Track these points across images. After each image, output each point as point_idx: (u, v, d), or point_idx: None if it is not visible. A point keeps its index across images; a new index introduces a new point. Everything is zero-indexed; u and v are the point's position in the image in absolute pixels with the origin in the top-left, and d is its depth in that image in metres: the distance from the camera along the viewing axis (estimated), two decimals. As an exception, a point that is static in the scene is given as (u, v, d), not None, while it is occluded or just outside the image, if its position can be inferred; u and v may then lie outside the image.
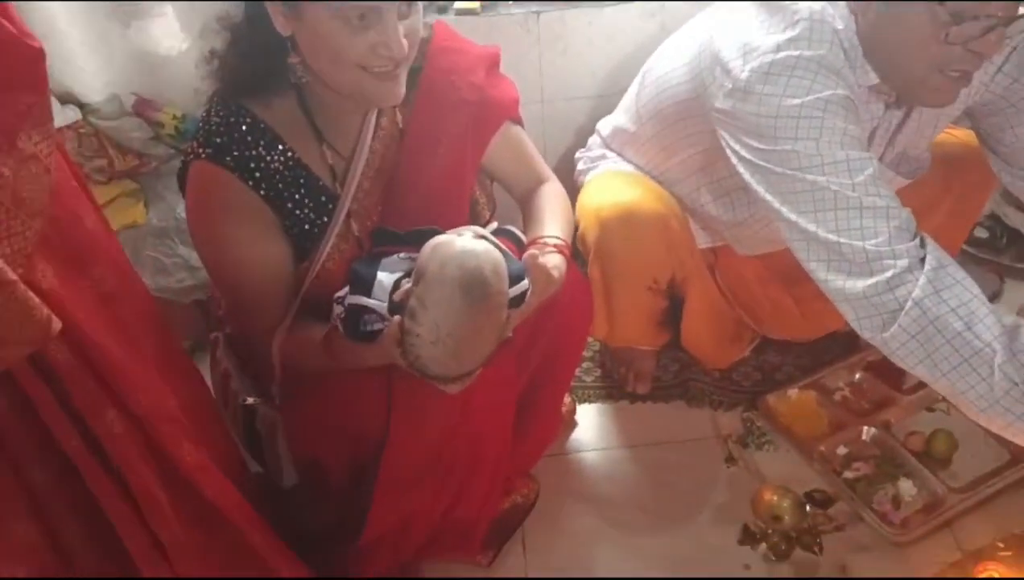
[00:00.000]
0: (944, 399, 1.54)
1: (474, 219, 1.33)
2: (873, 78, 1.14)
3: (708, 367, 1.68)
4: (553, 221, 1.28)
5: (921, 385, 1.58)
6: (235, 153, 1.10)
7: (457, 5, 1.77)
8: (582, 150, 1.65)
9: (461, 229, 1.10)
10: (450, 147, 1.22)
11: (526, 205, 1.34)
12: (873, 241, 1.05)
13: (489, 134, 1.26)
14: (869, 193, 1.06)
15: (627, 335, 1.58)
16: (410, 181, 1.20)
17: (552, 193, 1.34)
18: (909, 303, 1.03)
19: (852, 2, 1.10)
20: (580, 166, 1.61)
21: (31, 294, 0.78)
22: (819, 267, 1.10)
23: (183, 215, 1.69)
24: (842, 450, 1.49)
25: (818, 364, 1.67)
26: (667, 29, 1.77)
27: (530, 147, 1.36)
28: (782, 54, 1.09)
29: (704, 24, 1.30)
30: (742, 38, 1.15)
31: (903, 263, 1.04)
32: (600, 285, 1.43)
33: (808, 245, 1.11)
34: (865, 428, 1.52)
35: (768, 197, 1.13)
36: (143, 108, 1.77)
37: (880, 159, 1.29)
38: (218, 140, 1.10)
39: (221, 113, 1.11)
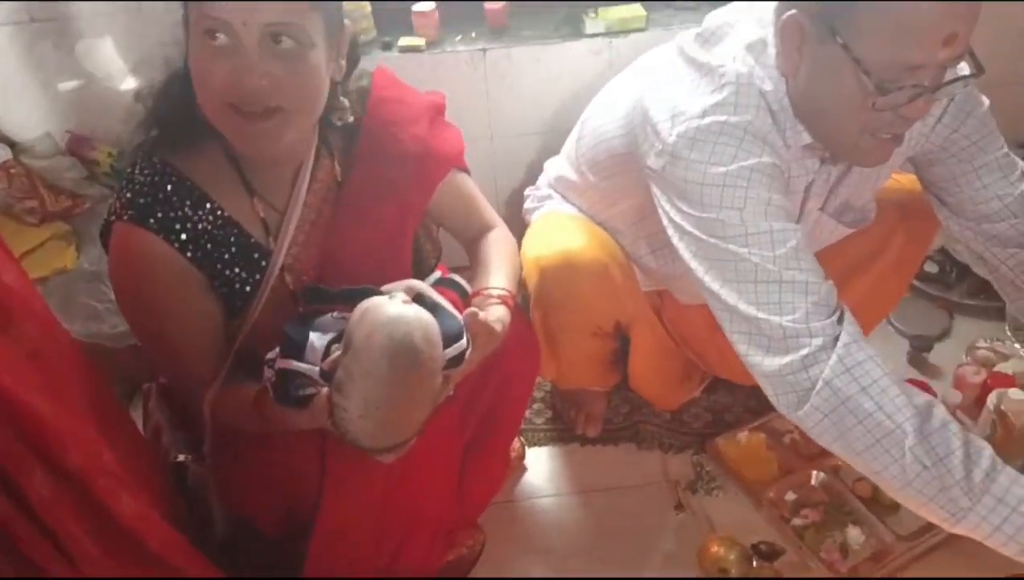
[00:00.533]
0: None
1: (419, 266, 1.30)
2: (806, 138, 1.12)
3: (658, 408, 1.66)
4: (498, 270, 1.25)
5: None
6: (159, 215, 1.05)
7: (402, 42, 1.75)
8: (531, 188, 1.63)
9: (396, 287, 1.06)
10: (391, 200, 1.18)
11: (472, 253, 1.32)
12: (790, 317, 1.03)
13: (433, 185, 1.23)
14: (790, 267, 1.04)
15: (576, 378, 1.56)
16: (349, 235, 1.16)
17: (498, 240, 1.31)
18: (820, 383, 1.01)
19: (782, 65, 1.08)
20: (528, 204, 1.59)
21: None
22: (740, 340, 1.08)
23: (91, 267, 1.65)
24: (791, 496, 1.47)
25: (768, 406, 1.63)
26: (614, 66, 1.77)
27: (476, 194, 1.32)
28: (708, 120, 1.08)
29: (640, 75, 1.29)
30: (672, 99, 1.13)
31: (818, 342, 1.02)
32: (543, 331, 1.41)
33: (731, 317, 1.09)
34: (814, 473, 1.50)
35: (693, 263, 1.11)
36: (77, 146, 1.72)
37: (822, 209, 1.28)
38: (141, 201, 1.05)
39: (145, 172, 1.07)
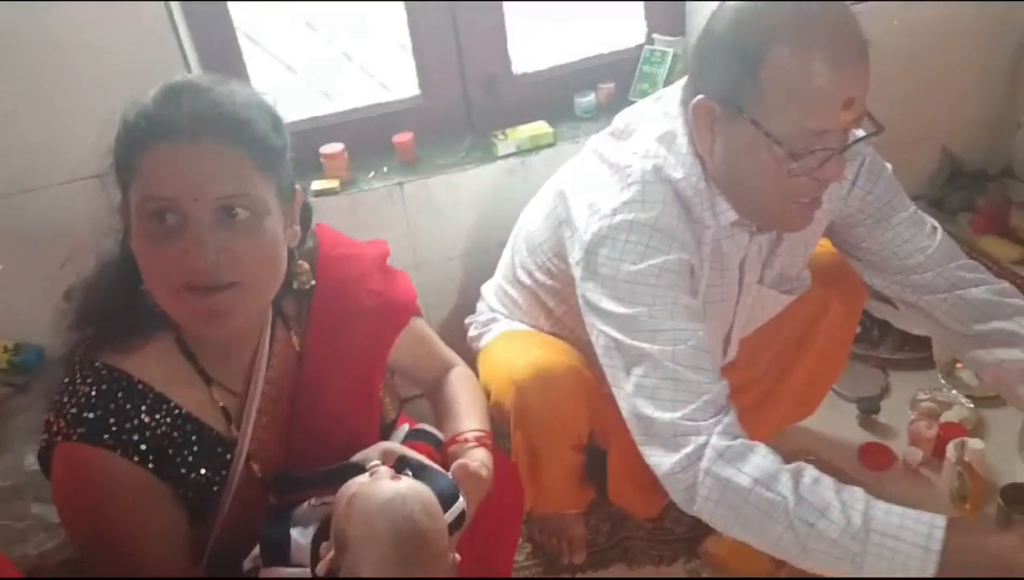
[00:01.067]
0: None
1: (382, 423, 1.22)
2: (732, 215, 1.17)
3: (639, 518, 1.62)
4: (469, 412, 1.21)
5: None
6: (114, 429, 0.93)
7: (315, 186, 1.70)
8: (471, 316, 1.60)
9: (371, 454, 1.00)
10: (355, 361, 1.12)
11: (436, 397, 1.27)
12: (680, 413, 1.06)
13: (394, 337, 1.17)
14: (687, 365, 1.08)
15: (554, 499, 1.51)
16: (315, 404, 1.08)
17: (460, 378, 1.28)
18: (701, 474, 1.05)
19: (698, 147, 1.13)
20: (472, 332, 1.56)
21: None
22: (641, 440, 1.11)
23: (33, 467, 1.47)
24: (791, 585, 1.46)
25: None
26: (529, 182, 1.78)
27: (432, 336, 1.29)
28: (617, 218, 1.13)
29: (560, 177, 1.33)
30: (588, 197, 1.18)
31: (702, 439, 1.05)
32: (524, 451, 1.37)
33: (632, 414, 1.11)
34: (808, 558, 1.49)
35: (604, 359, 1.15)
36: (-36, 348, 1.55)
37: (760, 281, 1.33)
38: (90, 416, 0.93)
39: (88, 380, 0.95)
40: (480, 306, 1.61)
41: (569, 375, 1.34)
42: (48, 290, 1.49)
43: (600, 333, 1.15)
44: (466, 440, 1.14)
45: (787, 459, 1.61)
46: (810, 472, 1.04)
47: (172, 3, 1.53)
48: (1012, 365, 1.22)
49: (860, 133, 1.10)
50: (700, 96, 1.09)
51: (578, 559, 1.57)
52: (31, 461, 1.47)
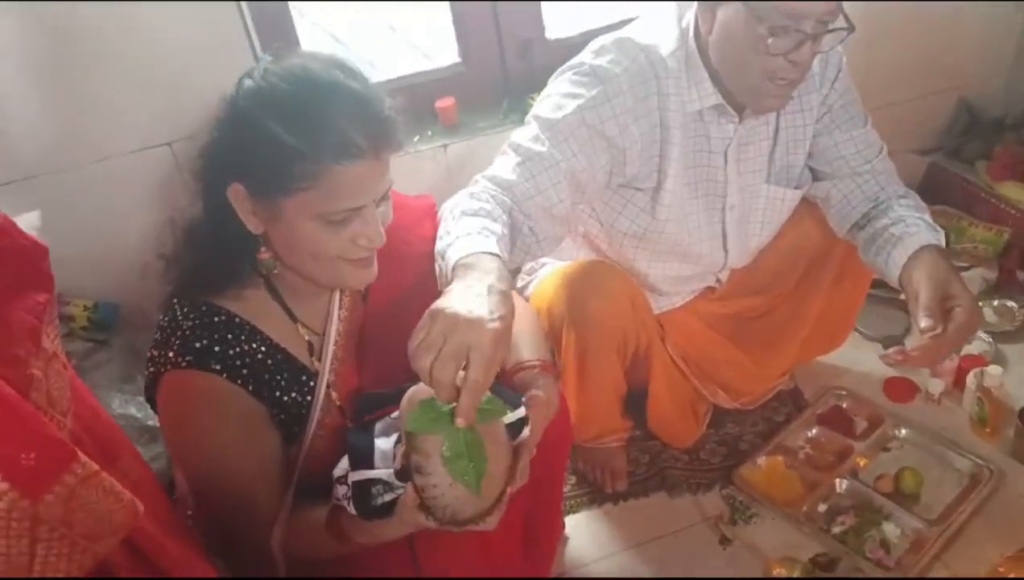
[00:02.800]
0: (897, 436, 1.68)
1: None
2: (714, 98, 1.35)
3: (675, 448, 1.72)
4: (528, 341, 1.27)
5: (871, 428, 1.70)
6: (219, 355, 1.05)
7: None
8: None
9: None
10: (413, 300, 1.19)
11: None
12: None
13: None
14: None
15: (598, 424, 1.60)
16: (380, 341, 1.19)
17: (518, 313, 1.34)
18: None
19: (700, 26, 1.31)
20: (520, 282, 1.64)
21: (113, 480, 0.73)
22: None
23: (119, 410, 1.60)
24: (822, 507, 1.56)
25: (773, 427, 1.76)
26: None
27: None
28: (578, 60, 1.36)
29: None
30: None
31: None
32: (574, 355, 1.45)
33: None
34: (837, 481, 1.59)
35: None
36: (52, 307, 1.67)
37: (768, 181, 1.48)
38: (197, 345, 1.04)
39: (192, 315, 1.06)
40: None
41: (616, 275, 1.46)
42: (121, 251, 1.66)
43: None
44: (532, 367, 1.21)
45: (817, 393, 1.73)
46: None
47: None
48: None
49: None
50: None
51: (620, 487, 1.66)
52: (117, 404, 1.60)
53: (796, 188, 1.51)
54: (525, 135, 1.33)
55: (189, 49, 1.60)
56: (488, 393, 1.00)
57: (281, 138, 0.95)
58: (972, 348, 1.79)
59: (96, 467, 0.72)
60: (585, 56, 1.36)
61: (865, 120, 1.48)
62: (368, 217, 1.03)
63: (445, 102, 1.87)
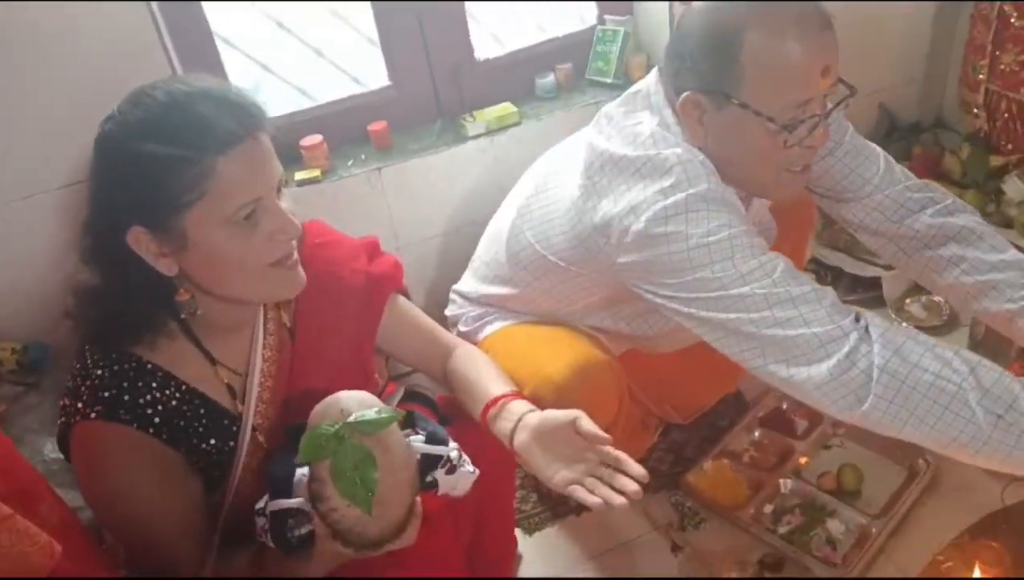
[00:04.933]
0: (836, 434, 1.72)
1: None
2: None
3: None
4: (493, 378, 1.23)
5: (811, 428, 1.74)
6: (128, 405, 1.01)
7: (298, 176, 1.79)
8: (453, 311, 1.61)
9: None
10: (344, 334, 1.20)
11: (450, 376, 1.29)
12: (818, 325, 1.08)
13: (379, 310, 1.24)
14: (791, 285, 1.11)
15: None
16: (310, 379, 1.16)
17: (471, 355, 1.30)
18: (876, 371, 1.06)
19: (691, 139, 1.20)
20: (463, 328, 1.57)
21: (28, 522, 0.72)
22: (778, 369, 1.12)
23: (52, 455, 1.54)
24: (768, 508, 1.58)
25: (717, 432, 1.78)
26: (499, 159, 1.90)
27: (424, 317, 1.33)
28: (671, 199, 1.14)
29: (558, 185, 1.34)
30: (624, 200, 1.19)
31: (854, 337, 1.07)
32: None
33: (762, 351, 1.12)
34: (782, 481, 1.62)
35: (703, 328, 1.17)
36: (-27, 351, 1.61)
37: None
38: (106, 394, 1.00)
39: (102, 364, 1.02)
40: (458, 301, 1.61)
41: (607, 371, 1.36)
42: (50, 291, 1.61)
43: (702, 322, 1.16)
44: (503, 397, 1.18)
45: (758, 396, 1.73)
46: (988, 364, 1.06)
47: (154, 6, 1.60)
48: (960, 286, 1.33)
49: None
50: (686, 93, 1.17)
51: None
52: (49, 449, 1.54)
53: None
54: (724, 285, 1.13)
55: (117, 87, 1.56)
56: (381, 404, 1.00)
57: (158, 154, 0.92)
58: (903, 344, 1.84)
59: (8, 510, 0.70)
60: (673, 181, 1.16)
61: (844, 133, 1.38)
62: (272, 208, 0.99)
63: (377, 126, 1.87)
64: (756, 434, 1.76)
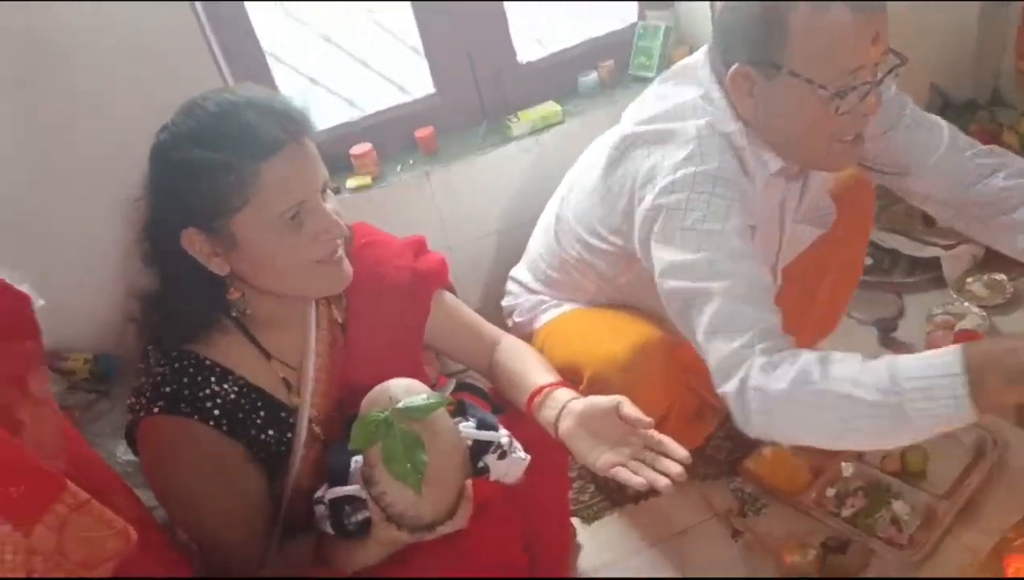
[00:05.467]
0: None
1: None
2: (776, 164, 1.25)
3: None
4: (535, 370, 1.26)
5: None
6: (188, 398, 1.06)
7: (349, 184, 1.85)
8: (508, 301, 1.65)
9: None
10: (393, 328, 1.23)
11: (495, 368, 1.32)
12: (737, 343, 1.11)
13: (425, 306, 1.28)
14: (746, 301, 1.13)
15: None
16: (362, 371, 1.18)
17: (514, 348, 1.32)
18: (750, 392, 1.09)
19: (739, 111, 1.21)
20: (518, 318, 1.61)
21: (104, 507, 0.75)
22: (713, 375, 1.15)
23: (124, 458, 1.61)
24: (830, 492, 1.56)
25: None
26: (543, 157, 1.92)
27: (470, 312, 1.36)
28: (679, 173, 1.19)
29: (596, 158, 1.38)
30: (644, 167, 1.24)
31: (747, 363, 1.10)
32: None
33: (708, 357, 1.16)
34: (843, 465, 1.59)
35: (678, 316, 1.20)
36: (50, 362, 1.70)
37: (795, 219, 1.42)
38: (167, 390, 1.06)
39: (163, 362, 1.08)
40: (515, 289, 1.65)
41: (668, 351, 1.37)
42: (116, 303, 1.68)
43: (670, 291, 1.20)
44: (548, 386, 1.20)
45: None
46: (836, 355, 1.08)
47: (208, 28, 1.67)
48: None
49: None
50: (735, 65, 1.18)
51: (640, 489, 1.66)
52: (122, 451, 1.61)
53: (823, 227, 1.47)
54: (697, 276, 1.17)
55: (174, 104, 1.63)
56: (428, 391, 1.03)
57: (206, 161, 0.98)
58: (966, 323, 1.80)
59: (87, 496, 0.74)
60: (688, 153, 1.20)
61: (904, 107, 1.37)
62: (317, 209, 1.04)
63: (424, 132, 1.91)
64: (815, 419, 1.73)
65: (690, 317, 1.18)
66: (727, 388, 1.12)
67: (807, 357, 1.08)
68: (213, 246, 1.04)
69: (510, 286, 1.67)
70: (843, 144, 1.21)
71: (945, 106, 2.29)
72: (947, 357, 0.99)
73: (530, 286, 1.60)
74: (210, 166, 0.99)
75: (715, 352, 1.14)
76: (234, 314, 1.11)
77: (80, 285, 1.71)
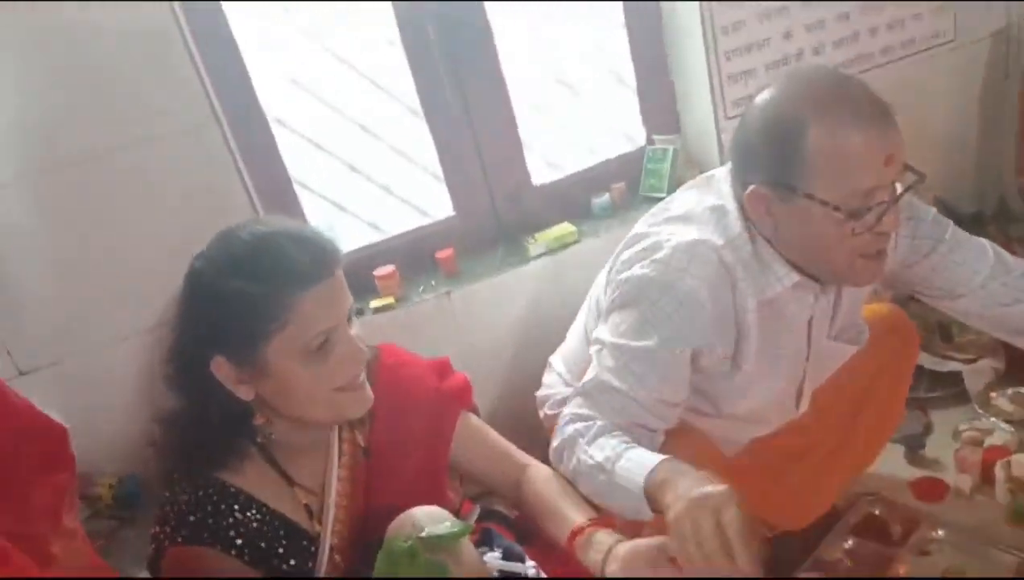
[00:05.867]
0: (934, 539, 1.63)
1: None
2: (794, 277, 1.25)
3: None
4: (571, 503, 1.23)
5: (907, 534, 1.65)
6: (212, 527, 1.06)
7: (373, 305, 1.87)
8: (544, 390, 1.65)
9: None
10: (417, 453, 1.24)
11: (526, 498, 1.29)
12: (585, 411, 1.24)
13: (451, 428, 1.28)
14: (636, 402, 1.23)
15: None
16: (384, 496, 1.19)
17: (545, 476, 1.30)
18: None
19: (760, 230, 1.24)
20: (549, 410, 1.60)
21: None
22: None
23: (147, 585, 1.57)
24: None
25: (809, 544, 1.70)
26: (561, 277, 1.96)
27: (495, 435, 1.36)
28: (642, 270, 1.25)
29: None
30: (624, 257, 1.32)
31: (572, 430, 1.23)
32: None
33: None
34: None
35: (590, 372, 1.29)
36: (79, 488, 1.68)
37: (829, 336, 1.41)
38: (191, 519, 1.06)
39: (187, 490, 1.08)
40: (550, 379, 1.64)
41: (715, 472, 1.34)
42: (139, 427, 1.69)
43: (594, 366, 1.29)
44: (589, 527, 1.17)
45: (847, 502, 1.62)
46: (615, 434, 1.19)
47: (239, 159, 1.74)
48: None
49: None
50: (752, 186, 1.20)
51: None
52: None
53: (857, 345, 1.47)
54: (608, 366, 1.26)
55: (204, 235, 1.68)
56: (452, 518, 1.03)
57: (244, 290, 1.01)
58: (994, 439, 1.78)
59: None
60: (657, 259, 1.25)
61: (944, 230, 1.38)
62: (344, 336, 1.07)
63: (445, 253, 1.96)
64: (850, 543, 1.68)
65: (587, 371, 1.29)
66: (553, 444, 1.26)
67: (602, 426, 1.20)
68: (240, 373, 1.06)
69: (546, 377, 1.66)
70: (865, 259, 1.21)
71: (952, 220, 2.33)
72: (653, 459, 1.10)
73: (566, 378, 1.60)
74: (248, 295, 1.01)
75: (567, 407, 1.28)
76: (260, 440, 1.11)
77: (105, 410, 1.72)
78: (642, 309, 1.24)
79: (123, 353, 1.73)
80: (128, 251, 1.67)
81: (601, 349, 1.28)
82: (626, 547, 1.11)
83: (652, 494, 1.07)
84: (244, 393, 1.07)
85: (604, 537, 1.15)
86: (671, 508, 1.02)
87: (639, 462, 1.11)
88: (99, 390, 1.73)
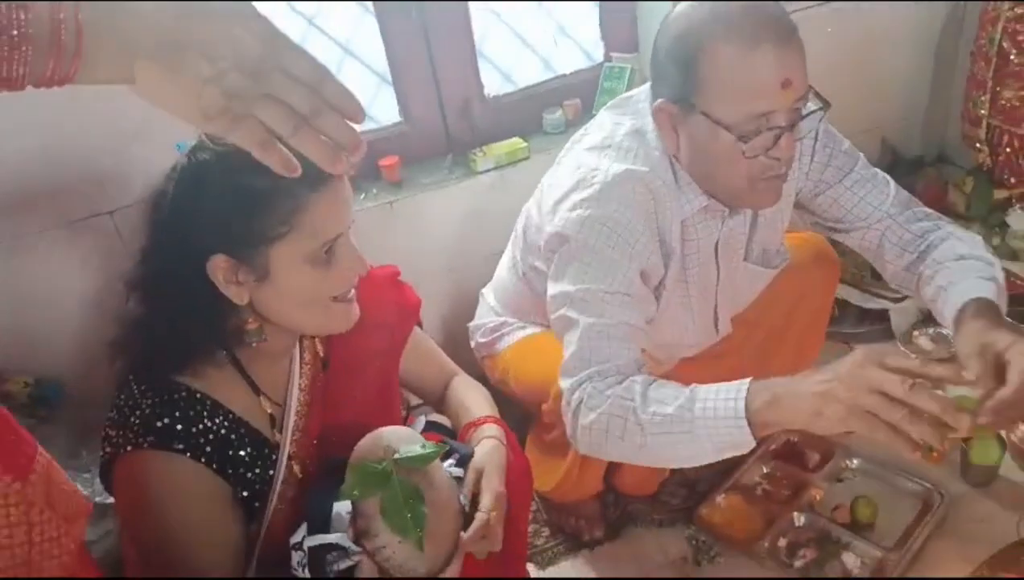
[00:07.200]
0: (849, 467, 1.72)
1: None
2: (702, 200, 1.28)
3: (637, 496, 1.72)
4: (478, 404, 1.31)
5: (824, 461, 1.73)
6: (181, 434, 1.01)
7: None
8: (476, 322, 1.69)
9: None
10: (375, 366, 1.23)
11: (445, 401, 1.36)
12: (577, 378, 1.20)
13: (403, 341, 1.29)
14: (605, 337, 1.21)
15: (577, 489, 1.59)
16: (342, 408, 1.18)
17: (466, 384, 1.37)
18: (578, 429, 1.19)
19: (666, 146, 1.26)
20: (481, 338, 1.65)
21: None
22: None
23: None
24: (783, 542, 1.57)
25: (731, 466, 1.77)
26: (508, 193, 1.91)
27: (435, 346, 1.39)
28: (575, 213, 1.25)
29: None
30: (554, 196, 1.30)
31: (587, 389, 1.18)
32: (561, 443, 1.41)
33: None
34: (795, 514, 1.61)
35: (557, 332, 1.29)
36: (-14, 382, 1.61)
37: (746, 259, 1.45)
38: (159, 424, 1.01)
39: (150, 394, 1.03)
40: (482, 310, 1.70)
41: None
42: (64, 324, 1.61)
43: (553, 320, 1.28)
44: (481, 422, 1.25)
45: (785, 435, 1.67)
46: (659, 382, 1.15)
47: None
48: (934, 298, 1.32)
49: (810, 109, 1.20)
50: (659, 100, 1.21)
51: (597, 534, 1.66)
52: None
53: (773, 268, 1.49)
54: (587, 313, 1.23)
55: (132, 118, 1.57)
56: (423, 440, 1.03)
57: (257, 186, 0.94)
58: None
59: (48, 456, 0.75)
60: (588, 197, 1.26)
61: (854, 162, 1.41)
62: (348, 244, 1.04)
63: (388, 160, 1.89)
64: (769, 467, 1.75)
65: (564, 345, 1.25)
66: (566, 418, 1.22)
67: (634, 380, 1.15)
68: (239, 275, 1.00)
69: (480, 307, 1.70)
70: (766, 181, 1.22)
71: (895, 162, 2.37)
72: (734, 388, 1.06)
73: (496, 308, 1.64)
74: (261, 192, 0.95)
75: (564, 382, 1.23)
76: (252, 344, 1.07)
77: (22, 303, 1.64)
78: (589, 251, 1.24)
79: (45, 248, 1.63)
80: (47, 136, 1.55)
81: (569, 304, 1.25)
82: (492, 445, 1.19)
83: (756, 417, 1.04)
84: (236, 296, 1.01)
85: (488, 429, 1.23)
86: (840, 381, 0.99)
87: (721, 394, 1.07)
88: (16, 284, 1.64)
